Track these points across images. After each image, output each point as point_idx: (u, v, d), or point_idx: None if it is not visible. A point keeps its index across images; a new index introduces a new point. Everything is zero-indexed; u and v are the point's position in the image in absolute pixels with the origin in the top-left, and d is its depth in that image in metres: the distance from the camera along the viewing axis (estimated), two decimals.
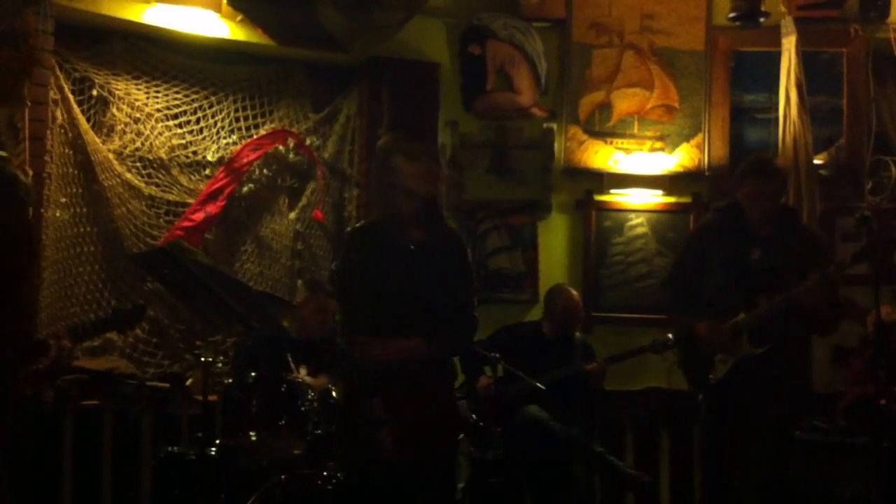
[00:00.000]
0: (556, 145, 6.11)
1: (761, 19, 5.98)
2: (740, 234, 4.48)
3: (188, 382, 5.15)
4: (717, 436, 4.58)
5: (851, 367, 5.60)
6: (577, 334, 5.60)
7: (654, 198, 6.13)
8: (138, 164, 5.51)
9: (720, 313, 4.46)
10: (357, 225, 4.06)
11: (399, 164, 3.64)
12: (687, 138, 6.14)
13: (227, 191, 5.64)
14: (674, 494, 5.98)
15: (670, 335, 5.01)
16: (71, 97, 5.27)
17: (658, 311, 5.47)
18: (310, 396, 4.45)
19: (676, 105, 6.15)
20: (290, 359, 5.02)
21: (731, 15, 6.02)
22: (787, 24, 5.96)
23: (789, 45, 5.93)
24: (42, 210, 5.06)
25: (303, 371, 4.94)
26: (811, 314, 4.32)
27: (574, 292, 5.57)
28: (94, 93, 5.39)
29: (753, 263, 4.42)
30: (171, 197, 5.57)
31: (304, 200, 5.98)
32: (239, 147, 5.73)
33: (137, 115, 5.49)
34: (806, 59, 5.96)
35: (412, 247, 3.66)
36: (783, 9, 6.01)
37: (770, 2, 5.99)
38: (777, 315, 4.31)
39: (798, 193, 5.87)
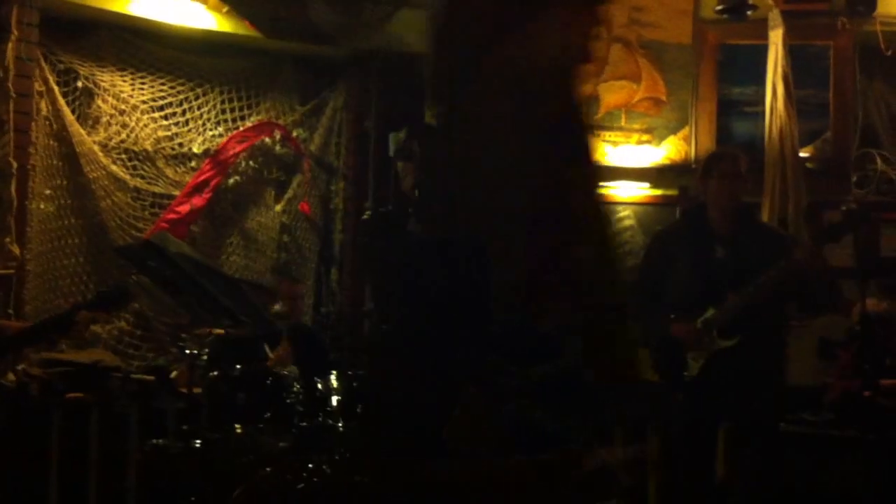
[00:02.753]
0: None
1: (748, 12, 5.97)
2: (703, 234, 4.47)
3: (173, 375, 5.13)
4: (695, 433, 4.58)
5: (838, 360, 5.61)
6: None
7: (642, 190, 6.13)
8: (124, 156, 5.50)
9: (687, 314, 4.46)
10: None
11: None
12: (674, 131, 6.14)
13: (212, 183, 5.63)
14: (661, 492, 5.97)
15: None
16: (56, 89, 5.25)
17: None
18: (296, 389, 4.46)
19: (664, 98, 6.14)
20: (267, 349, 5.04)
21: (719, 8, 6.01)
22: (774, 18, 5.95)
23: (776, 38, 5.93)
24: (27, 202, 5.04)
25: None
26: (802, 289, 4.34)
27: None
28: (80, 84, 5.37)
29: (718, 262, 4.42)
30: (156, 189, 5.55)
31: (290, 193, 5.97)
32: (225, 139, 5.72)
33: (123, 106, 5.47)
34: (793, 53, 5.95)
35: None
36: (770, 2, 6.00)
37: None
38: (748, 307, 4.31)
39: (784, 186, 5.87)
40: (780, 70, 5.87)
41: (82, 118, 5.39)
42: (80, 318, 4.08)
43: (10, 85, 4.94)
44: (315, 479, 4.23)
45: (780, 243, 4.58)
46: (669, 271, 4.48)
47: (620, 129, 6.14)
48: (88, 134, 5.37)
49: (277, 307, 5.22)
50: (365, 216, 3.67)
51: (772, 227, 5.00)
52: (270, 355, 4.94)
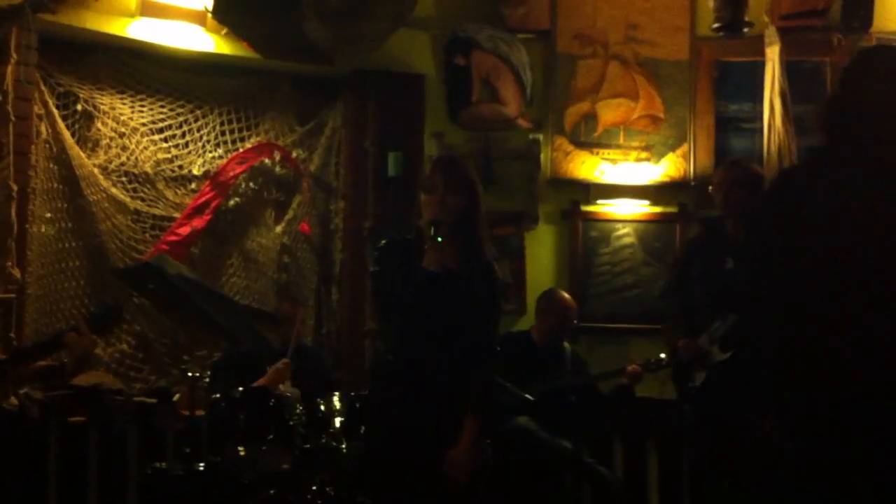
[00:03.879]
0: (542, 156, 6.11)
1: (745, 29, 6.01)
2: (718, 244, 4.50)
3: (175, 398, 5.12)
4: (700, 445, 4.59)
5: None
6: (567, 345, 5.59)
7: (641, 208, 6.15)
8: (123, 179, 5.50)
9: (700, 325, 4.48)
10: None
11: None
12: (672, 148, 6.16)
13: (213, 204, 5.63)
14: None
15: (663, 355, 5.02)
16: (55, 112, 5.26)
17: (643, 321, 5.47)
18: (298, 410, 4.45)
19: (661, 115, 6.17)
20: (269, 369, 5.03)
21: (715, 25, 6.04)
22: (771, 34, 5.99)
23: (773, 54, 5.96)
24: (27, 225, 5.04)
25: (287, 382, 4.95)
26: None
27: (568, 295, 5.57)
28: (79, 107, 5.38)
29: (727, 273, 4.44)
30: (156, 211, 5.56)
31: (290, 213, 5.97)
32: (225, 161, 5.73)
33: (122, 129, 5.48)
34: (789, 69, 5.98)
35: None
36: (766, 19, 6.04)
37: (753, 12, 6.02)
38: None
39: None
40: (777, 86, 5.90)
41: (82, 141, 5.40)
42: (69, 340, 4.05)
43: (9, 108, 4.95)
44: (318, 501, 4.23)
45: None
46: (691, 283, 4.53)
47: (619, 146, 6.16)
48: (88, 157, 5.38)
49: (275, 334, 5.23)
50: (381, 243, 3.63)
51: None
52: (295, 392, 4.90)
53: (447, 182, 3.46)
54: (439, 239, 3.40)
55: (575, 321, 5.55)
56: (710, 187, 4.75)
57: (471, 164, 3.71)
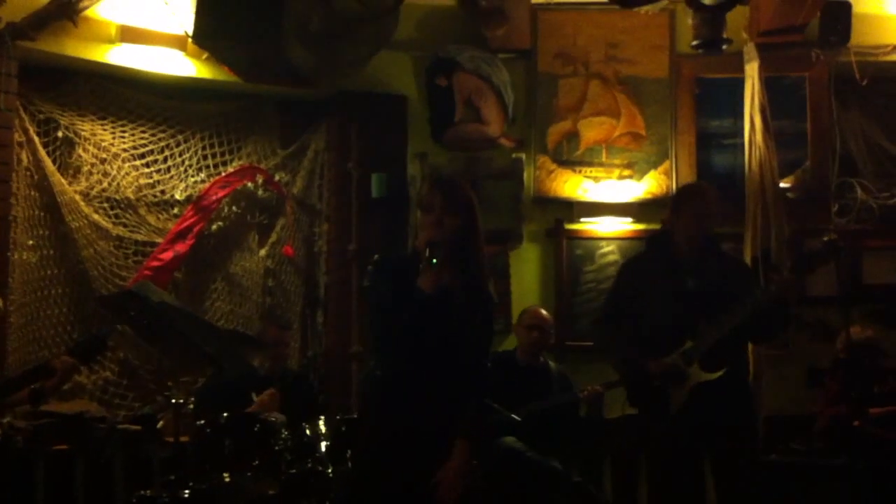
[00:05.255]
0: (525, 175, 6.12)
1: (724, 46, 6.03)
2: (671, 264, 4.49)
3: (160, 424, 5.09)
4: (680, 466, 4.57)
5: (825, 389, 5.62)
6: (552, 364, 5.59)
7: (624, 225, 6.16)
8: (105, 205, 5.49)
9: (662, 346, 4.46)
10: None
11: None
12: (655, 165, 6.18)
13: (196, 229, 5.62)
14: None
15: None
16: (36, 139, 5.25)
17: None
18: (284, 435, 4.43)
19: (643, 132, 6.19)
20: (254, 397, 5.00)
21: (694, 43, 6.05)
22: (750, 51, 6.02)
23: (752, 71, 5.99)
24: (9, 253, 5.01)
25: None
26: (774, 316, 4.37)
27: (543, 310, 5.58)
28: (60, 134, 5.37)
29: (689, 292, 4.43)
30: (139, 237, 5.54)
31: (274, 237, 5.96)
32: (207, 185, 5.72)
33: (104, 155, 5.47)
34: (769, 84, 6.01)
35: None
36: (745, 35, 6.08)
37: (732, 29, 6.04)
38: (729, 336, 4.32)
39: (765, 218, 5.91)
40: (757, 102, 5.93)
41: (63, 167, 5.38)
42: (58, 365, 4.05)
43: None
44: None
45: (745, 272, 4.66)
46: (640, 302, 4.49)
47: (601, 164, 6.17)
48: (70, 183, 5.36)
49: (259, 359, 5.21)
50: (375, 259, 3.61)
51: (734, 257, 5.05)
52: (255, 400, 4.91)
53: (445, 202, 3.45)
54: (434, 261, 3.39)
55: (551, 332, 5.55)
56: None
57: (468, 185, 3.70)
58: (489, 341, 3.62)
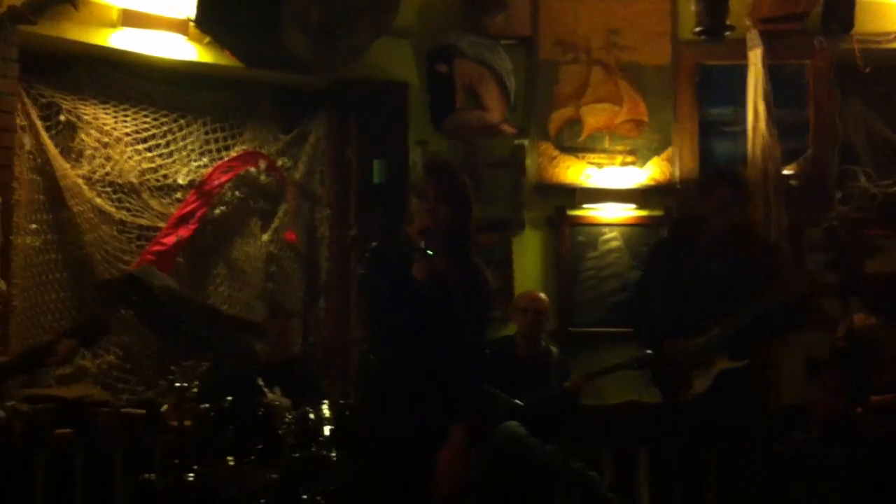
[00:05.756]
0: (527, 162, 6.12)
1: (726, 33, 6.04)
2: (698, 249, 4.49)
3: (163, 409, 5.09)
4: (697, 452, 4.58)
5: (825, 379, 5.63)
6: (554, 349, 5.60)
7: (627, 212, 6.16)
8: (108, 189, 5.46)
9: (686, 331, 4.46)
10: None
11: None
12: (657, 152, 6.18)
13: (198, 214, 5.61)
14: None
15: (649, 351, 5.02)
16: (38, 123, 5.23)
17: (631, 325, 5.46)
18: (287, 420, 4.43)
19: (645, 119, 6.19)
20: (261, 383, 5.00)
21: (696, 29, 6.07)
22: (753, 38, 6.02)
23: (755, 58, 5.99)
24: (11, 237, 5.00)
25: (277, 392, 4.93)
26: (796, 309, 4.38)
27: (540, 293, 5.59)
28: (62, 118, 5.34)
29: (711, 278, 4.43)
30: (141, 221, 5.52)
31: (276, 222, 5.95)
32: (209, 170, 5.70)
33: (106, 139, 5.45)
34: (771, 72, 6.01)
35: None
36: (748, 22, 6.07)
37: (734, 16, 6.05)
38: (756, 324, 4.33)
39: (767, 205, 5.92)
40: (760, 90, 5.94)
41: (65, 152, 5.36)
42: (60, 347, 4.06)
43: None
44: None
45: (774, 258, 4.63)
46: (666, 288, 4.50)
47: (604, 150, 6.17)
48: (72, 167, 5.34)
49: (261, 345, 5.22)
50: (371, 246, 3.61)
51: (766, 243, 5.02)
52: (263, 387, 4.88)
53: (439, 190, 3.45)
54: (429, 251, 3.39)
55: (547, 314, 5.56)
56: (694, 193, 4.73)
57: (462, 170, 3.69)
58: (485, 328, 3.63)
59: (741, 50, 6.07)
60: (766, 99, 5.93)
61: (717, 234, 4.47)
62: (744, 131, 6.06)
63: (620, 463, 5.96)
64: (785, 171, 6.08)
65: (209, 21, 5.35)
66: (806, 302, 4.48)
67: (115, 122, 5.49)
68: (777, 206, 5.94)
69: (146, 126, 5.57)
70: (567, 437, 5.35)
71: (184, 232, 5.53)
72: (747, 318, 4.31)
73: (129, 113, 5.54)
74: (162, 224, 5.53)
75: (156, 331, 4.77)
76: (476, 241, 3.62)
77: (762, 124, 5.93)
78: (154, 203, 5.56)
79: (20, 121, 5.11)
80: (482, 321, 3.60)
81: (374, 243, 3.62)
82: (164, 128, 5.63)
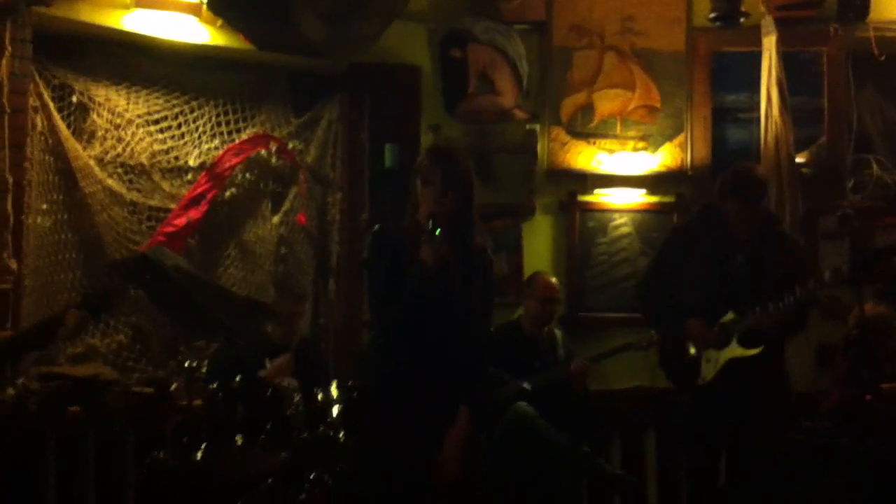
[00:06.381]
0: (539, 147, 6.10)
1: (741, 20, 6.01)
2: (721, 238, 4.47)
3: (172, 388, 5.12)
4: (704, 438, 4.58)
5: (835, 367, 5.61)
6: (559, 333, 5.60)
7: (638, 198, 6.14)
8: (119, 170, 5.48)
9: (701, 317, 4.46)
10: None
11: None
12: (669, 138, 6.16)
13: (209, 196, 5.62)
14: (661, 495, 5.97)
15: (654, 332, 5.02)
16: (51, 104, 5.24)
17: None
18: (296, 400, 4.45)
19: (658, 105, 6.16)
20: (268, 364, 5.03)
21: (711, 16, 6.04)
22: (767, 24, 5.98)
23: (770, 44, 5.96)
24: (23, 217, 5.02)
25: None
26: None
27: (550, 276, 5.59)
28: (74, 99, 5.35)
29: (736, 268, 4.42)
30: (153, 203, 5.54)
31: (287, 205, 5.96)
32: (221, 152, 5.71)
33: (118, 120, 5.46)
34: (786, 59, 5.98)
35: None
36: (763, 9, 6.04)
37: (749, 2, 6.02)
38: (776, 319, 4.31)
39: (780, 193, 5.89)
40: (774, 76, 5.90)
41: (78, 133, 5.37)
42: (69, 319, 4.10)
43: (4, 101, 4.93)
44: (316, 491, 4.23)
45: (798, 256, 4.59)
46: (685, 272, 4.49)
47: (616, 136, 6.15)
48: (84, 148, 5.35)
49: (273, 327, 5.23)
50: (375, 229, 3.64)
51: (791, 238, 4.96)
52: (268, 366, 4.93)
53: (446, 175, 3.48)
54: (437, 232, 3.41)
55: (557, 298, 5.55)
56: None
57: (465, 153, 3.72)
58: (490, 311, 3.66)
59: (756, 36, 6.03)
60: (780, 86, 5.90)
61: (742, 227, 4.45)
62: (757, 118, 6.03)
63: (628, 448, 5.96)
64: (798, 159, 6.05)
65: (222, 4, 5.36)
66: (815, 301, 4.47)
67: (128, 104, 5.49)
68: (791, 194, 5.91)
69: (158, 108, 5.58)
70: (575, 422, 5.36)
71: (194, 214, 5.54)
72: (781, 310, 4.28)
73: (141, 94, 5.55)
74: (173, 206, 5.54)
75: (167, 310, 4.79)
76: (479, 224, 3.64)
77: (776, 111, 5.90)
78: (165, 185, 5.58)
79: (33, 102, 5.12)
80: (486, 305, 3.62)
81: (376, 226, 3.65)
82: (176, 110, 5.63)
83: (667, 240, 4.89)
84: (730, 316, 4.39)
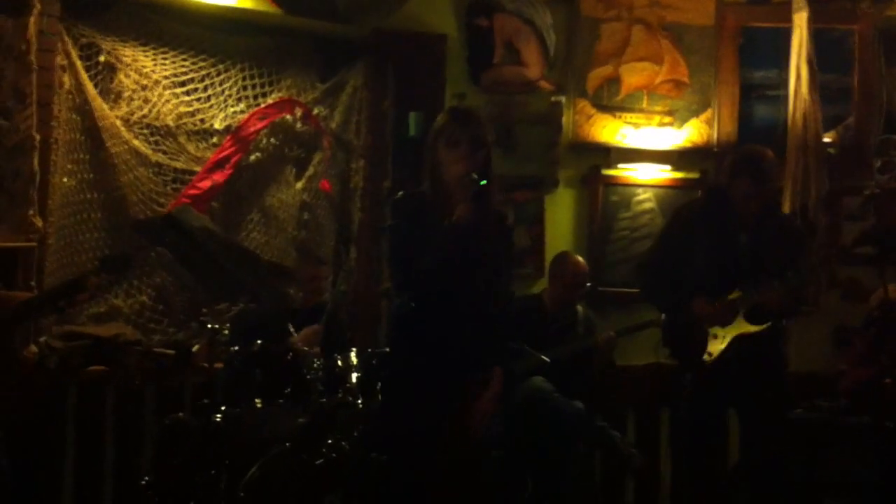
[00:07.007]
0: (563, 119, 6.08)
1: None
2: (727, 218, 4.47)
3: (194, 349, 5.16)
4: (708, 414, 4.60)
5: (853, 348, 5.60)
6: (580, 308, 5.60)
7: (662, 173, 6.11)
8: (145, 131, 5.48)
9: (706, 296, 4.47)
10: None
11: None
12: (696, 114, 6.12)
13: (233, 159, 5.63)
14: (675, 471, 5.97)
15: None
16: (78, 63, 5.23)
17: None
18: (315, 365, 4.47)
19: (686, 80, 6.12)
20: (291, 328, 5.05)
21: None
22: (798, 0, 5.92)
23: (800, 20, 5.89)
24: (48, 176, 5.04)
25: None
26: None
27: (580, 258, 5.58)
28: (102, 59, 5.35)
29: (741, 247, 4.43)
30: (178, 165, 5.54)
31: (310, 170, 5.96)
32: (246, 116, 5.71)
33: (145, 81, 5.46)
34: (816, 37, 5.92)
35: None
36: None
37: None
38: (789, 293, 4.33)
39: (806, 172, 5.86)
40: (804, 53, 5.85)
41: (104, 92, 5.37)
42: (89, 282, 4.14)
43: (32, 58, 4.94)
44: (333, 456, 4.26)
45: (799, 238, 4.62)
46: (690, 251, 4.49)
47: (642, 110, 6.12)
48: (110, 108, 5.35)
49: (294, 290, 5.26)
50: (398, 195, 3.63)
51: (792, 221, 5.02)
52: (293, 333, 4.94)
53: (472, 137, 3.48)
54: (483, 183, 3.41)
55: (587, 284, 5.55)
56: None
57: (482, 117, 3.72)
58: (511, 275, 3.74)
59: (786, 12, 5.97)
60: (809, 63, 5.84)
61: (747, 208, 4.46)
62: (785, 95, 5.98)
63: (643, 423, 5.98)
64: (824, 139, 6.00)
65: None
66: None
67: (154, 65, 5.49)
68: (817, 173, 5.87)
69: (184, 70, 5.57)
70: (591, 394, 5.37)
71: (219, 177, 5.55)
72: (787, 286, 4.30)
73: (168, 56, 5.54)
74: (197, 168, 5.55)
75: (191, 270, 4.81)
76: (499, 194, 3.68)
77: (804, 89, 5.84)
78: (190, 147, 5.58)
79: (60, 60, 5.11)
80: (508, 268, 3.65)
81: (400, 193, 3.65)
82: (203, 72, 5.62)
83: (669, 222, 4.88)
84: (736, 293, 4.41)
